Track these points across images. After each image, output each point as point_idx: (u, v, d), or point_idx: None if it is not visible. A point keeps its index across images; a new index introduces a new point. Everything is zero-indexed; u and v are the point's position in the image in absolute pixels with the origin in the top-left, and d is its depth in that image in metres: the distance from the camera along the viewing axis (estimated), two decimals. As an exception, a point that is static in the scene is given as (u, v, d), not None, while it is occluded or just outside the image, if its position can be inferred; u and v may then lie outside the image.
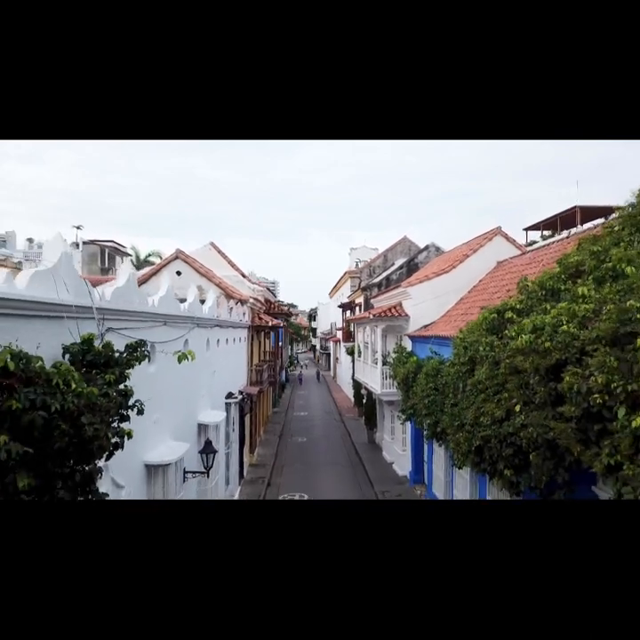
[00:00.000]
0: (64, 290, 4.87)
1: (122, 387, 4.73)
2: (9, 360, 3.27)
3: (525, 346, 6.17)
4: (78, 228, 39.49)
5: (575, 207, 23.94)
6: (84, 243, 34.36)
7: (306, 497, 16.76)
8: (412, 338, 17.70)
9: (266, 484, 18.02)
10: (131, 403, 4.81)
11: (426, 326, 17.56)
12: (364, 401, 26.82)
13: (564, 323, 5.90)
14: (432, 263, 26.44)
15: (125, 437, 4.69)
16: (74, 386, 3.68)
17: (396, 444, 20.48)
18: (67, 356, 4.61)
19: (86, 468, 4.04)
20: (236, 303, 17.49)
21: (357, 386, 29.95)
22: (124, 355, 4.85)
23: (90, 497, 4.04)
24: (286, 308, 45.31)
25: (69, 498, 3.81)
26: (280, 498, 16.70)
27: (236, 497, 15.11)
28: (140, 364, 5.09)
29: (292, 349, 69.96)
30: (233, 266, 27.83)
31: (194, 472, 9.62)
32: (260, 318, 22.12)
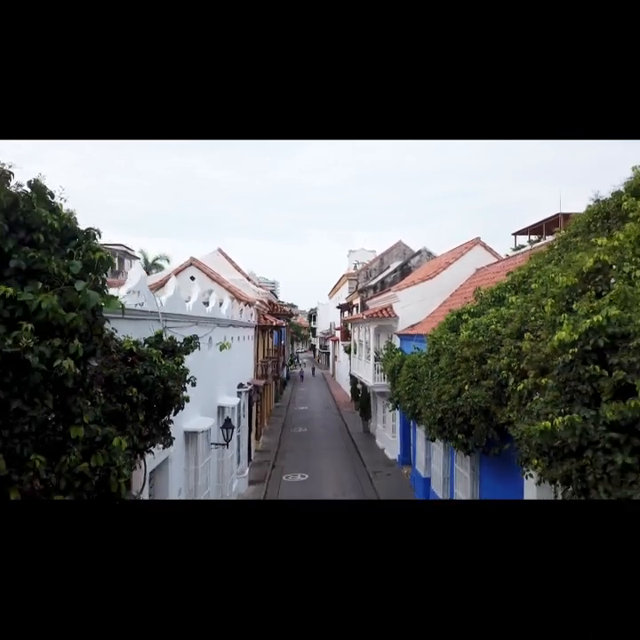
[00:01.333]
0: (142, 300, 7.16)
1: (181, 367, 6.98)
2: (132, 345, 5.56)
3: (467, 340, 8.45)
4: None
5: (558, 214, 26.23)
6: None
7: (306, 476, 19.07)
8: (400, 336, 20.00)
9: (271, 466, 20.33)
10: (187, 378, 7.05)
11: (413, 326, 19.84)
12: (360, 395, 29.12)
13: (494, 323, 8.18)
14: (422, 268, 28.70)
15: (185, 402, 6.93)
16: (163, 362, 5.94)
17: (386, 432, 22.77)
18: (146, 345, 6.86)
19: (165, 418, 6.31)
20: (245, 305, 19.78)
21: (354, 382, 32.23)
22: (183, 345, 7.10)
23: (168, 431, 6.30)
24: (288, 310, 47.63)
25: (158, 431, 6.05)
26: (283, 478, 19.01)
27: (246, 474, 17.40)
28: (193, 351, 7.34)
29: (292, 348, 72.25)
30: (238, 270, 30.12)
31: (216, 443, 11.92)
32: (265, 319, 24.44)
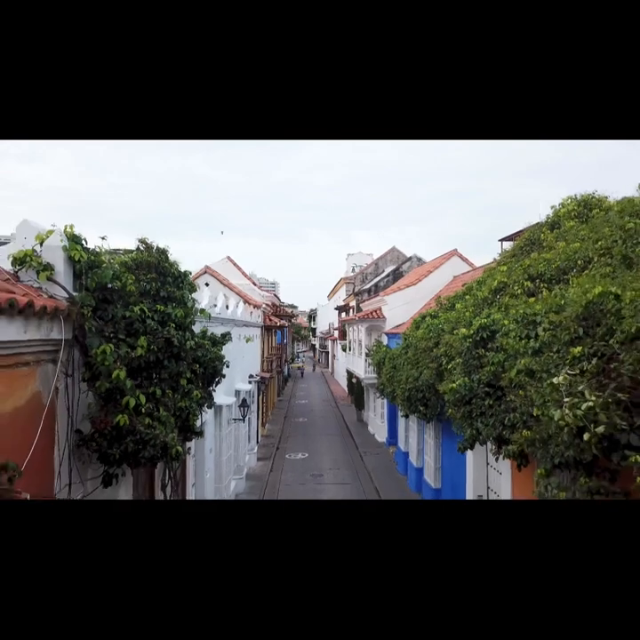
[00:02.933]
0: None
1: (221, 353, 10.14)
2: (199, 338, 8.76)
3: (423, 335, 11.63)
4: (103, 238, 44.86)
5: (537, 222, 29.36)
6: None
7: (306, 455, 22.24)
8: (387, 334, 23.18)
9: (276, 447, 23.50)
10: (224, 361, 10.22)
11: (398, 326, 23.01)
12: (355, 388, 32.30)
13: (442, 323, 11.36)
14: (410, 274, 31.87)
15: (222, 377, 10.08)
16: (214, 349, 9.10)
17: (377, 419, 25.96)
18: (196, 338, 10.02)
19: (211, 387, 9.48)
20: (254, 308, 22.96)
21: (350, 377, 35.40)
22: (220, 339, 10.24)
23: (212, 397, 9.44)
24: (289, 311, 50.88)
25: (207, 395, 9.20)
26: (286, 456, 22.17)
27: (256, 451, 20.59)
28: (226, 344, 10.48)
29: (293, 348, 75.45)
30: (245, 276, 33.34)
31: (235, 419, 15.09)
32: (270, 319, 27.62)
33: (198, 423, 8.38)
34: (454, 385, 8.17)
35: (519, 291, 8.90)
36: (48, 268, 4.92)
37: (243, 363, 18.27)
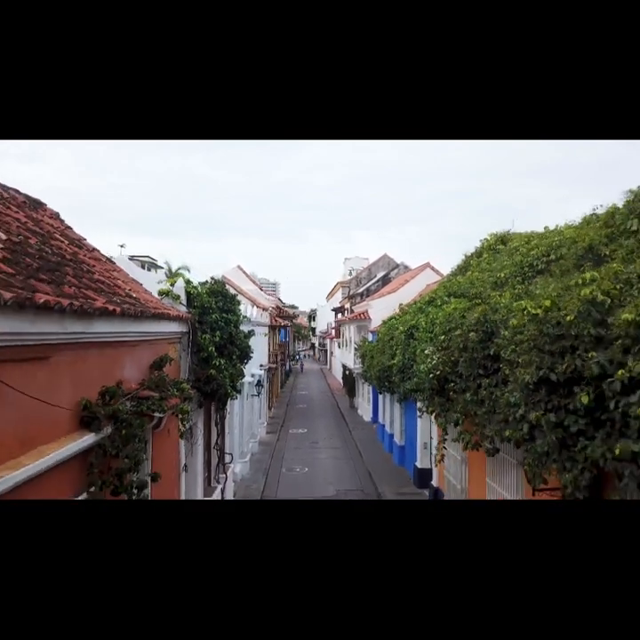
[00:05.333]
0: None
1: (249, 342, 15.25)
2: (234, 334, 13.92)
3: (385, 332, 16.82)
4: (122, 246, 50.08)
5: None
6: (129, 258, 45.12)
7: (306, 430, 27.41)
8: (371, 332, 28.41)
9: (280, 425, 28.71)
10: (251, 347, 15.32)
11: (379, 325, 28.18)
12: (348, 379, 37.50)
13: (396, 324, 16.55)
14: (394, 281, 37.03)
15: (249, 359, 15.18)
16: (246, 340, 14.21)
17: (364, 403, 31.18)
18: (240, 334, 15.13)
19: (243, 365, 14.64)
20: (262, 310, 28.17)
21: (344, 370, 40.59)
22: (248, 334, 15.34)
23: (242, 373, 14.57)
24: (291, 312, 56.15)
25: (240, 371, 14.35)
26: (290, 431, 27.32)
27: (265, 425, 25.82)
28: (251, 337, 15.56)
29: (294, 346, 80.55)
30: (253, 282, 38.58)
31: (253, 394, 20.31)
32: (276, 320, 32.84)
33: (238, 386, 13.56)
34: (395, 361, 13.32)
35: (440, 303, 14.04)
36: (177, 297, 10.09)
37: (256, 354, 23.46)
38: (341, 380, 46.89)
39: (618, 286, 5.07)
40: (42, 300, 4.29)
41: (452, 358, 8.79)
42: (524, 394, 5.68)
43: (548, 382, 5.21)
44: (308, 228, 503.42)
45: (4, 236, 5.19)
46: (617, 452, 4.28)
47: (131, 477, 5.95)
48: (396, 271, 43.72)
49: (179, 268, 53.97)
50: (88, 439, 5.35)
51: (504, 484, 8.68)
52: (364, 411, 31.02)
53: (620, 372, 4.25)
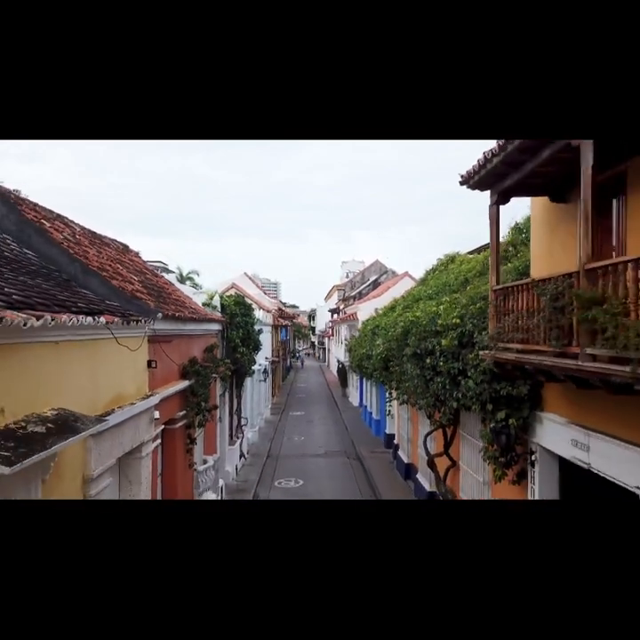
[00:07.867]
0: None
1: (259, 338, 20.41)
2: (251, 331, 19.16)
3: (362, 331, 22.06)
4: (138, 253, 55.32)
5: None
6: (145, 264, 50.39)
7: (304, 413, 32.63)
8: (358, 331, 33.63)
9: (282, 410, 33.97)
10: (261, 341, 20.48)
11: (367, 325, 33.40)
12: (341, 371, 42.74)
13: (369, 324, 21.78)
14: (381, 286, 42.25)
15: (259, 350, 20.35)
16: (256, 336, 19.40)
17: (354, 391, 36.43)
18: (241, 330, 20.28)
19: (255, 354, 19.88)
20: (267, 312, 33.40)
21: (339, 364, 45.78)
22: (258, 332, 20.47)
23: (254, 360, 19.75)
24: (291, 313, 61.39)
25: (253, 359, 19.54)
26: (290, 413, 32.53)
27: (269, 408, 31.06)
28: (261, 334, 20.67)
29: (294, 345, 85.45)
30: (258, 286, 43.81)
31: (260, 380, 25.61)
32: (278, 320, 38.07)
33: (253, 369, 18.84)
34: (363, 351, 18.50)
35: (400, 309, 19.21)
36: (215, 306, 15.35)
37: (263, 348, 28.71)
38: (336, 373, 52.08)
39: (452, 305, 10.27)
40: (169, 313, 9.51)
41: (392, 346, 14.02)
42: (410, 362, 10.92)
43: (417, 355, 10.44)
44: (308, 228, 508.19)
45: (136, 278, 10.40)
46: (440, 385, 9.55)
47: (204, 406, 11.22)
48: (385, 276, 48.77)
49: (189, 273, 59.11)
50: (185, 383, 10.61)
51: (426, 426, 13.98)
52: (354, 398, 36.26)
53: (440, 346, 9.50)
